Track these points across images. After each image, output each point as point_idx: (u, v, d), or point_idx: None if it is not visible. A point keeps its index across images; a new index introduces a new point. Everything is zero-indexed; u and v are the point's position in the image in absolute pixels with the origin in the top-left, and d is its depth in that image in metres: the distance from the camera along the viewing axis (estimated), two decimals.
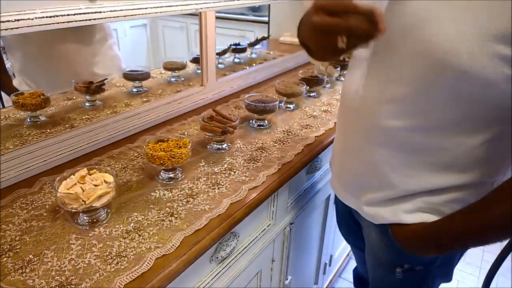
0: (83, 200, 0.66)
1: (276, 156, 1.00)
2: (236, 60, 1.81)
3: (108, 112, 1.14)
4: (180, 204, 0.78)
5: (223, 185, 0.86)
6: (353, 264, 1.99)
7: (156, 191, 0.82)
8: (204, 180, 0.87)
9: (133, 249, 0.66)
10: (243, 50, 1.81)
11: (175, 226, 0.72)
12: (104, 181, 0.71)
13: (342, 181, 0.83)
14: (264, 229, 0.99)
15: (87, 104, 1.17)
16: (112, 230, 0.70)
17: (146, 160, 0.84)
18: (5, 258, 0.63)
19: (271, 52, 2.01)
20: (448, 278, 0.81)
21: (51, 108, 1.11)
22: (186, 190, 0.83)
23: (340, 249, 1.83)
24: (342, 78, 1.67)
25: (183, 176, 0.88)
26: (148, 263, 0.63)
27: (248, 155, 0.99)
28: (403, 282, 0.79)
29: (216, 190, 0.84)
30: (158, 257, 0.64)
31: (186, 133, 1.11)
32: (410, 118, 0.63)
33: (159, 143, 0.87)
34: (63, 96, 1.20)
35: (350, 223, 0.98)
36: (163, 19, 2.27)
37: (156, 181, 0.86)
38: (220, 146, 1.02)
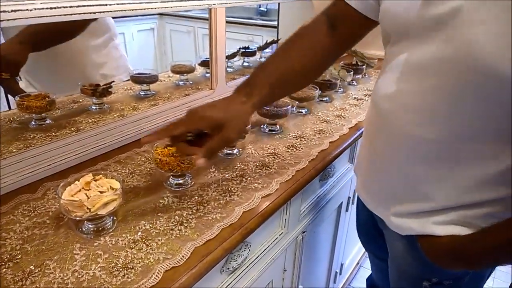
0: (87, 208, 0.62)
1: (289, 162, 0.96)
2: (245, 64, 1.78)
3: (115, 115, 1.10)
4: (190, 212, 0.74)
5: (235, 192, 0.82)
6: (363, 272, 1.94)
7: (165, 198, 0.78)
8: (214, 187, 0.83)
9: (140, 260, 0.61)
10: (253, 53, 1.78)
11: (185, 236, 0.67)
12: (110, 187, 0.67)
13: (370, 190, 0.79)
14: (276, 237, 0.95)
15: (93, 107, 1.14)
16: (118, 239, 0.66)
17: (154, 165, 0.81)
18: (4, 269, 0.59)
19: None
20: None
21: (57, 111, 1.08)
22: (196, 197, 0.79)
23: (351, 257, 1.78)
24: (355, 83, 1.63)
25: (192, 183, 0.84)
26: (156, 276, 0.59)
27: (260, 161, 0.95)
28: None
29: (228, 198, 0.79)
30: (167, 270, 0.60)
31: None
32: (447, 128, 0.58)
33: (168, 148, 0.83)
34: (69, 98, 1.17)
35: (372, 231, 0.94)
36: (171, 23, 2.24)
37: (164, 188, 0.82)
38: (230, 151, 0.98)
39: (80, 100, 1.16)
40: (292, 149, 1.02)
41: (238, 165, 0.93)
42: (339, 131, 1.15)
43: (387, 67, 0.68)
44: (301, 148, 1.03)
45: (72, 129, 0.98)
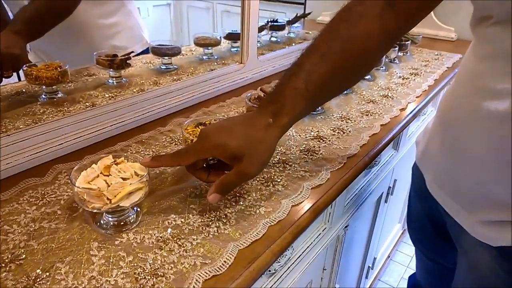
0: (108, 198, 0.49)
1: (337, 147, 0.82)
2: (273, 39, 1.63)
3: (135, 90, 0.98)
4: (228, 205, 0.61)
5: (279, 181, 0.68)
6: (393, 266, 1.82)
7: (197, 186, 0.65)
8: None
9: (172, 265, 0.49)
10: (282, 27, 1.63)
11: (225, 235, 0.55)
12: (135, 173, 0.54)
13: (447, 188, 0.66)
14: (320, 234, 0.82)
15: (110, 80, 1.01)
16: (144, 237, 0.53)
17: (184, 147, 0.68)
18: (4, 273, 0.47)
19: (310, 32, 1.82)
20: None
21: (70, 84, 0.95)
22: None
23: (383, 250, 1.66)
24: (397, 61, 1.46)
25: None
26: (194, 287, 0.46)
27: (304, 145, 0.81)
28: None
29: (271, 188, 0.66)
30: (207, 279, 0.48)
31: (226, 116, 0.94)
32: None
33: (200, 127, 0.70)
34: (83, 71, 1.05)
35: (429, 229, 0.82)
36: None
37: None
38: None
39: (96, 73, 1.04)
40: (338, 132, 0.88)
41: (279, 149, 0.79)
42: (389, 113, 1.00)
43: (485, 53, 0.54)
44: (349, 131, 0.89)
45: (87, 104, 0.85)
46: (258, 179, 0.68)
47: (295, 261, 0.74)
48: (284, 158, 0.76)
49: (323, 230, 0.83)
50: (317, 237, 0.81)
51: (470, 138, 0.56)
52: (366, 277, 1.48)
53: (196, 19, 2.17)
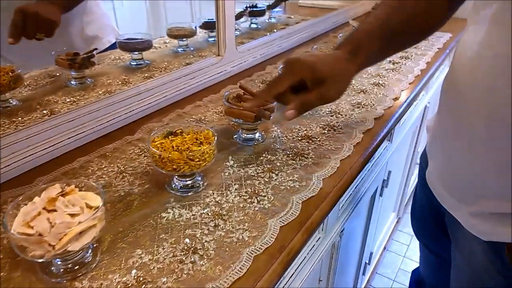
0: (50, 245, 0.40)
1: (328, 148, 0.73)
2: (253, 25, 1.52)
3: (100, 92, 0.87)
4: (206, 231, 0.52)
5: (264, 195, 0.59)
6: (389, 257, 1.76)
7: (169, 209, 0.55)
8: (236, 189, 0.60)
9: None
10: (262, 13, 1.52)
11: (201, 272, 0.46)
12: (86, 205, 0.45)
13: (444, 179, 0.64)
14: (313, 245, 0.74)
15: (72, 82, 0.91)
16: (102, 284, 0.44)
17: (153, 163, 0.58)
18: None
19: (292, 17, 1.71)
20: None
21: (26, 89, 0.84)
22: (212, 207, 0.56)
23: (378, 242, 1.59)
24: None
25: (205, 183, 0.61)
26: None
27: (292, 148, 0.72)
28: None
29: (256, 205, 0.57)
30: None
31: (203, 118, 0.83)
32: None
33: (170, 137, 0.60)
34: (43, 73, 0.93)
35: (430, 223, 0.78)
36: None
37: (167, 193, 0.59)
38: (252, 136, 0.75)
39: (57, 74, 0.93)
40: (329, 130, 0.79)
41: (264, 155, 0.70)
42: (382, 104, 0.92)
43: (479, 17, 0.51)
44: (340, 128, 0.80)
45: (45, 112, 0.75)
46: (240, 195, 0.59)
47: (288, 280, 0.66)
48: (269, 166, 0.67)
49: (317, 241, 0.75)
50: (311, 249, 0.73)
51: (462, 116, 0.55)
52: (363, 274, 1.42)
53: (174, 9, 2.05)
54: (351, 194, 0.88)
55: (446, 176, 0.63)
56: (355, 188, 0.89)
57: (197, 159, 0.55)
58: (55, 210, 0.43)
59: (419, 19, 0.66)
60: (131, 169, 0.65)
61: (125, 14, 1.59)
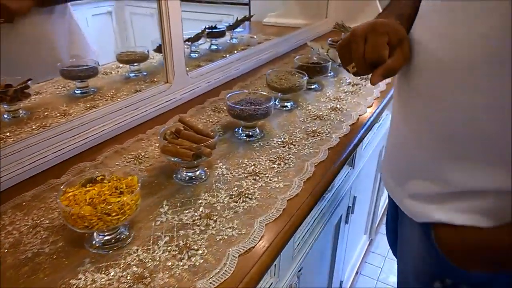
0: None
1: (276, 186, 0.67)
2: (213, 47, 1.47)
3: (34, 126, 0.80)
4: None
5: (197, 249, 0.52)
6: (363, 281, 1.70)
7: (80, 275, 0.48)
8: (165, 243, 0.53)
9: None
10: (221, 34, 1.47)
11: None
12: None
13: (390, 165, 0.67)
14: None
15: (5, 115, 0.83)
16: None
17: (63, 219, 0.50)
18: None
19: (255, 36, 1.68)
20: None
21: None
22: (134, 267, 0.49)
23: (350, 267, 1.53)
24: None
25: (131, 235, 0.54)
26: None
27: (236, 187, 0.66)
28: None
29: (186, 262, 0.50)
30: None
31: (143, 155, 0.76)
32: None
33: (88, 186, 0.53)
34: None
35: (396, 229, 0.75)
36: (130, 5, 1.95)
37: (84, 251, 0.52)
38: (192, 174, 0.68)
39: None
40: (279, 164, 0.73)
41: (203, 197, 0.63)
42: (338, 131, 0.86)
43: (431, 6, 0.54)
44: (291, 162, 0.74)
45: None
46: (169, 251, 0.52)
47: None
48: (208, 211, 0.60)
49: (269, 286, 0.68)
50: None
51: (410, 101, 0.57)
52: None
53: (141, 26, 1.99)
54: (308, 230, 0.82)
55: (389, 160, 0.67)
56: (313, 222, 0.83)
57: (115, 213, 0.48)
58: None
59: None
60: (47, 222, 0.57)
61: (91, 34, 1.53)
